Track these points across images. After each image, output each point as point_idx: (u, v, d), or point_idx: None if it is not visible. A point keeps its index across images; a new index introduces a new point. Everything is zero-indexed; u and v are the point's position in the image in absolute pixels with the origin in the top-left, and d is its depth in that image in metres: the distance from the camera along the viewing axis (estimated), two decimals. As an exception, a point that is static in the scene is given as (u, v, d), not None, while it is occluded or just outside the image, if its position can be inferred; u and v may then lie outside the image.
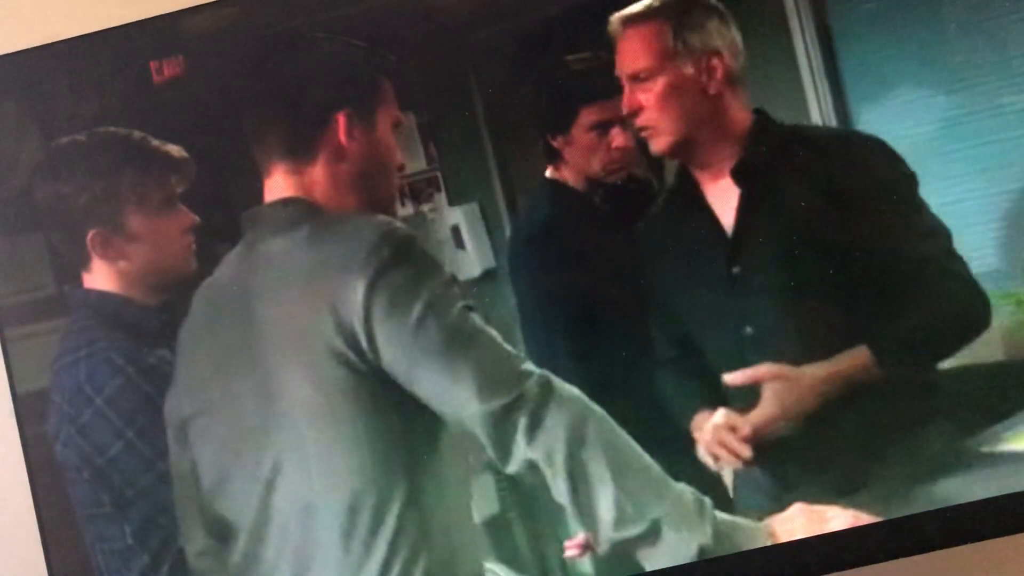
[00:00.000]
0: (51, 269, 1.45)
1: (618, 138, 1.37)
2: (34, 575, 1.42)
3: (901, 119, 1.32)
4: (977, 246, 1.30)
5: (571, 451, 1.25)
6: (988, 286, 1.29)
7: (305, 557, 1.31)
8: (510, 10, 1.40)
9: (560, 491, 1.25)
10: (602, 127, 1.37)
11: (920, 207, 1.30)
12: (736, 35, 1.33)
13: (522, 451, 1.26)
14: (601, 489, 1.25)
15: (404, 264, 1.29)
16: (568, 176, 1.39)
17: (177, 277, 1.42)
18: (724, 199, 1.35)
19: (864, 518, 1.28)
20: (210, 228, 1.40)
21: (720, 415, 1.32)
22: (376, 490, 1.29)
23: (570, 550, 1.31)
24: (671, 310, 1.37)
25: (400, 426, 1.30)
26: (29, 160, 1.44)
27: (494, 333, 1.29)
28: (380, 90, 1.36)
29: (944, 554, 1.30)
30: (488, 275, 1.39)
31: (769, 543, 1.28)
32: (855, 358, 1.30)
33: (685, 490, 1.26)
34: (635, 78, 1.34)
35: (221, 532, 1.35)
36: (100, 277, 1.42)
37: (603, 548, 1.26)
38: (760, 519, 1.29)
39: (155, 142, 1.41)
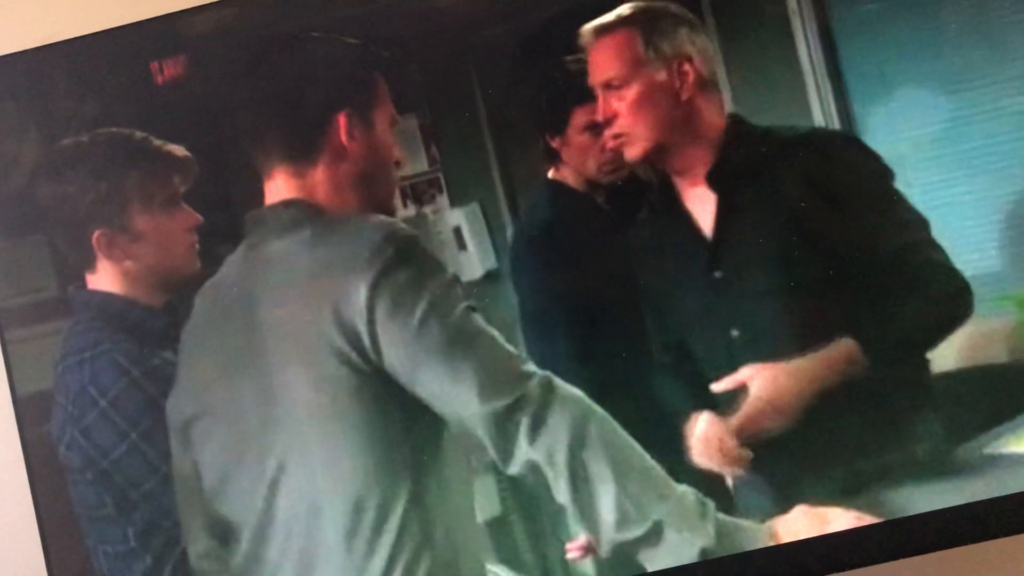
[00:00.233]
0: (53, 271, 1.45)
1: (611, 138, 1.37)
2: (34, 577, 1.44)
3: (903, 120, 1.32)
4: (978, 247, 1.30)
5: (573, 452, 1.25)
6: (989, 287, 1.29)
7: (308, 557, 1.32)
8: (511, 12, 1.40)
9: (561, 492, 1.25)
10: (596, 128, 1.37)
11: (896, 199, 1.31)
12: (707, 42, 1.35)
13: (524, 452, 1.26)
14: (603, 490, 1.25)
15: (407, 265, 1.29)
16: (568, 177, 1.39)
17: (181, 277, 1.42)
18: (703, 204, 1.36)
19: (866, 519, 1.28)
20: (211, 228, 1.41)
21: (702, 425, 1.33)
22: (379, 490, 1.29)
23: (571, 552, 1.32)
24: (662, 314, 1.38)
25: (403, 426, 1.30)
26: (30, 161, 1.44)
27: (496, 334, 1.29)
28: (376, 88, 1.37)
29: (944, 554, 1.30)
30: (490, 276, 1.39)
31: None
32: (841, 348, 1.30)
33: (687, 491, 1.26)
34: (608, 86, 1.35)
35: (223, 533, 1.36)
36: (105, 278, 1.43)
37: (605, 549, 1.26)
38: (762, 521, 1.29)
39: (157, 142, 1.41)
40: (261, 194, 1.36)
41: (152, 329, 1.42)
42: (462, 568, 1.32)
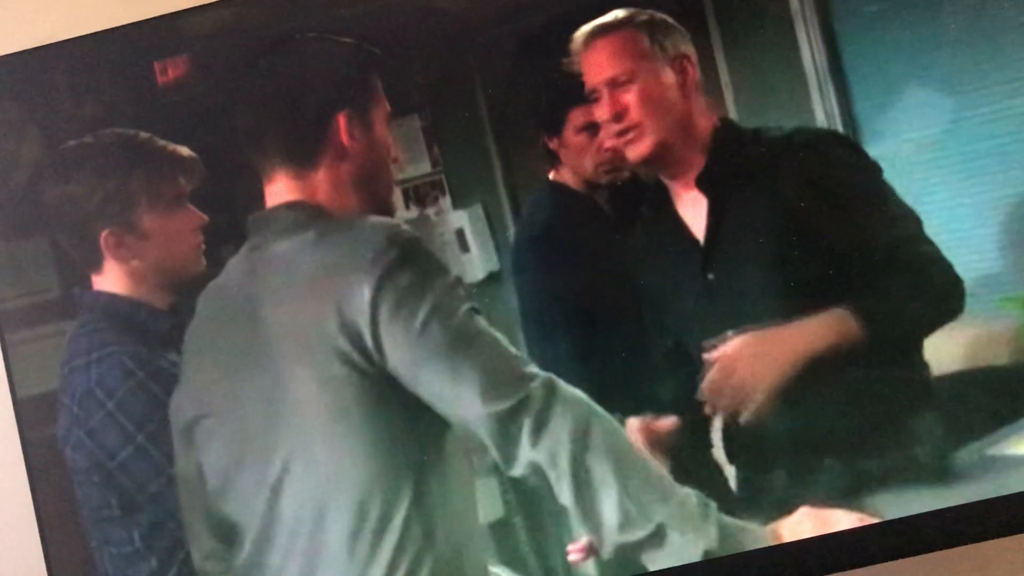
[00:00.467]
0: (56, 272, 1.45)
1: (608, 139, 1.37)
2: (34, 579, 1.44)
3: (906, 121, 1.31)
4: (980, 249, 1.30)
5: (575, 454, 1.25)
6: (990, 289, 1.29)
7: (311, 558, 1.32)
8: (514, 13, 1.40)
9: (564, 494, 1.25)
10: (592, 128, 1.37)
11: (887, 195, 1.31)
12: (693, 49, 1.36)
13: (526, 453, 1.26)
14: (605, 492, 1.25)
15: (410, 266, 1.29)
16: (568, 178, 1.39)
17: (187, 277, 1.42)
18: (695, 207, 1.37)
19: (870, 521, 1.28)
20: (213, 229, 1.41)
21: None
22: (382, 492, 1.29)
23: (573, 554, 1.32)
24: (659, 316, 1.38)
25: (406, 428, 1.30)
26: (33, 162, 1.44)
27: (499, 335, 1.29)
28: (372, 86, 1.37)
29: (944, 554, 1.30)
30: (492, 277, 1.39)
31: (774, 546, 1.29)
32: (836, 316, 1.30)
33: (690, 493, 1.26)
34: (614, 83, 1.35)
35: (227, 534, 1.36)
36: (111, 279, 1.43)
37: (607, 551, 1.26)
38: (765, 522, 1.29)
39: (162, 142, 1.42)
40: (262, 196, 1.36)
41: (158, 331, 1.42)
42: (465, 569, 1.32)
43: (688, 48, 1.35)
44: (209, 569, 1.38)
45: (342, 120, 1.35)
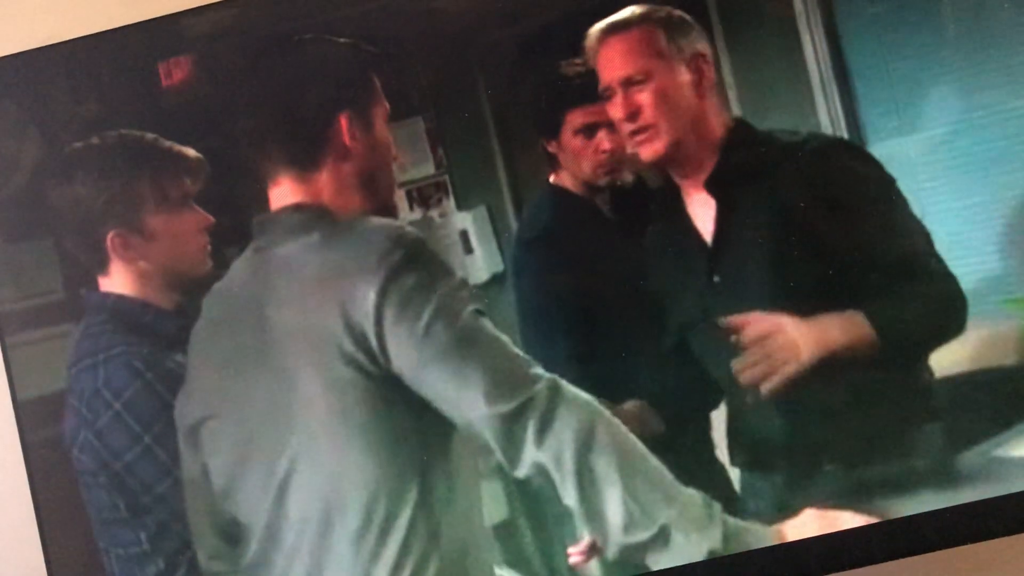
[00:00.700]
0: (59, 274, 1.46)
1: (605, 141, 1.36)
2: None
3: (910, 122, 1.31)
4: (984, 250, 1.29)
5: (580, 454, 1.26)
6: (995, 290, 1.28)
7: (317, 559, 1.33)
8: (516, 14, 1.39)
9: (569, 495, 1.26)
10: (588, 130, 1.37)
11: (897, 209, 1.30)
12: (709, 47, 1.34)
13: (531, 454, 1.26)
14: (610, 492, 1.25)
15: (415, 268, 1.30)
16: (567, 181, 1.39)
17: (193, 278, 1.42)
18: (705, 209, 1.36)
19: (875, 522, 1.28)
20: (216, 231, 1.41)
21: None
22: (388, 492, 1.30)
23: (574, 557, 1.32)
24: (664, 318, 1.37)
25: (411, 429, 1.31)
26: (36, 164, 1.45)
27: (504, 337, 1.30)
28: (372, 86, 1.37)
29: (944, 554, 1.30)
30: (496, 279, 1.39)
31: (778, 547, 1.29)
32: (851, 319, 1.30)
33: (694, 494, 1.27)
34: (629, 82, 1.34)
35: (233, 535, 1.37)
36: (118, 280, 1.43)
37: (612, 552, 1.27)
38: (770, 523, 1.29)
39: (167, 143, 1.42)
40: (266, 199, 1.37)
41: (166, 332, 1.43)
42: (470, 571, 1.33)
43: (704, 47, 1.34)
44: (215, 569, 1.38)
45: (343, 121, 1.35)
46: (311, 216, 1.35)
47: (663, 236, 1.39)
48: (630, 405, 1.32)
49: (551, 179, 1.40)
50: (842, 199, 1.33)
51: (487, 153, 1.41)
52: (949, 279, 1.29)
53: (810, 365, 1.29)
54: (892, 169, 1.31)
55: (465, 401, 1.28)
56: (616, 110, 1.35)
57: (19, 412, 1.44)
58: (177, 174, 1.42)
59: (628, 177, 1.38)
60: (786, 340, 1.30)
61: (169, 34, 1.43)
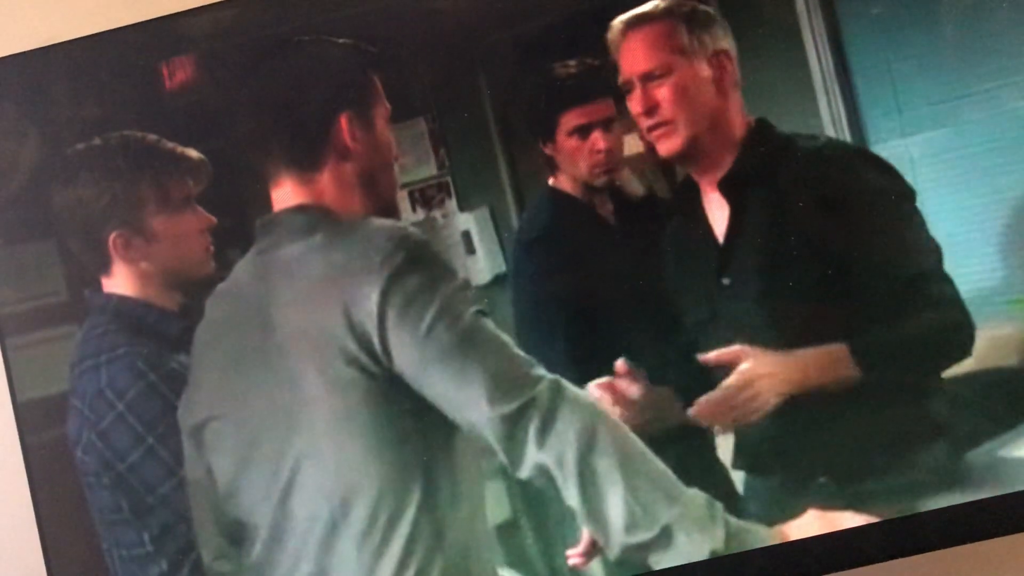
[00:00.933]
0: (62, 276, 1.46)
1: (599, 141, 1.36)
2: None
3: (912, 122, 1.31)
4: (987, 250, 1.29)
5: (582, 455, 1.26)
6: (999, 292, 1.28)
7: (321, 559, 1.33)
8: (519, 15, 1.39)
9: (571, 495, 1.26)
10: (582, 131, 1.37)
11: (912, 226, 1.30)
12: (733, 44, 1.33)
13: (533, 455, 1.26)
14: (612, 493, 1.25)
15: (417, 269, 1.30)
16: (565, 183, 1.39)
17: (196, 279, 1.43)
18: (720, 208, 1.35)
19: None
20: (220, 231, 1.41)
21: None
22: (391, 493, 1.30)
23: (573, 558, 1.32)
24: (670, 318, 1.37)
25: (414, 429, 1.31)
26: (37, 165, 1.45)
27: (506, 338, 1.30)
28: (372, 86, 1.37)
29: (944, 554, 1.30)
30: (498, 280, 1.39)
31: (781, 548, 1.29)
32: (832, 352, 1.29)
33: (696, 494, 1.27)
34: (649, 77, 1.33)
35: (237, 535, 1.37)
36: (121, 281, 1.44)
37: (614, 552, 1.27)
38: (772, 524, 1.29)
39: (169, 144, 1.42)
40: (268, 199, 1.37)
41: (169, 333, 1.43)
42: (473, 572, 1.33)
43: (728, 43, 1.32)
44: (219, 570, 1.39)
45: (344, 121, 1.35)
46: (314, 217, 1.35)
47: (681, 232, 1.38)
48: (660, 389, 1.33)
49: (550, 182, 1.40)
50: (855, 212, 1.32)
51: (489, 154, 1.41)
52: (956, 305, 1.28)
53: (785, 398, 1.29)
54: (893, 169, 1.31)
55: (467, 402, 1.28)
56: (635, 104, 1.34)
57: (19, 413, 1.44)
58: (179, 175, 1.42)
59: (627, 177, 1.38)
60: (754, 393, 1.30)
61: (169, 34, 1.43)
